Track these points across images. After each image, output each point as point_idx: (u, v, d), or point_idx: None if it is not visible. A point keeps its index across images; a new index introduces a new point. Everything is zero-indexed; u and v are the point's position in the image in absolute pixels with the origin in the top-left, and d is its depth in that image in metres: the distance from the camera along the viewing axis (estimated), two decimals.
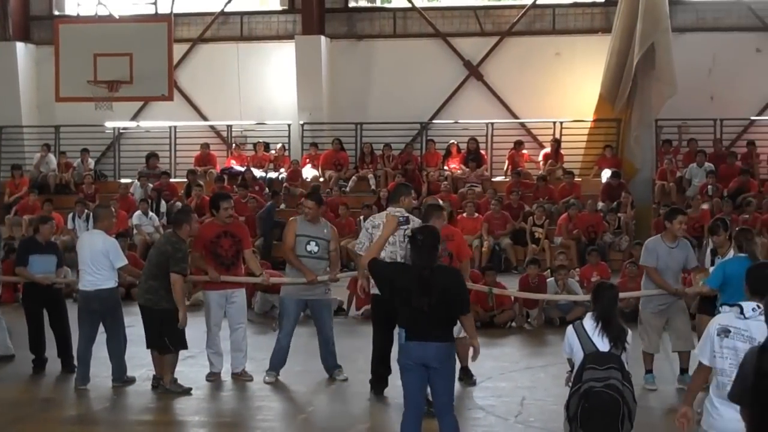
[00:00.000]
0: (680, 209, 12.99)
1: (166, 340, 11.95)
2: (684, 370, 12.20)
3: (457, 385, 9.69)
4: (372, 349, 12.09)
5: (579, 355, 7.64)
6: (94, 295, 12.24)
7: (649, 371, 12.35)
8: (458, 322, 8.67)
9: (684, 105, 25.07)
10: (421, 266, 8.33)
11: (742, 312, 6.78)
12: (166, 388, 12.07)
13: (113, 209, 22.56)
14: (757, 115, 27.00)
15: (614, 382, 7.35)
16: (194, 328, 12.78)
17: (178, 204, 23.17)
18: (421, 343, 8.31)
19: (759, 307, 6.75)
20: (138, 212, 23.24)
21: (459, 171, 25.99)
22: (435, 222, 10.77)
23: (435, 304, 8.22)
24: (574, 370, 7.67)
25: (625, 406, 7.31)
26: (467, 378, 12.12)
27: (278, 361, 12.73)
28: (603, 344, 7.59)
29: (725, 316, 6.90)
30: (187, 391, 12.11)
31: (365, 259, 9.26)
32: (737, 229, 11.74)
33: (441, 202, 15.18)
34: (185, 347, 12.22)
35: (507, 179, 25.54)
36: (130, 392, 12.27)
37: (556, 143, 26.28)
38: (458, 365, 10.03)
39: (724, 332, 6.79)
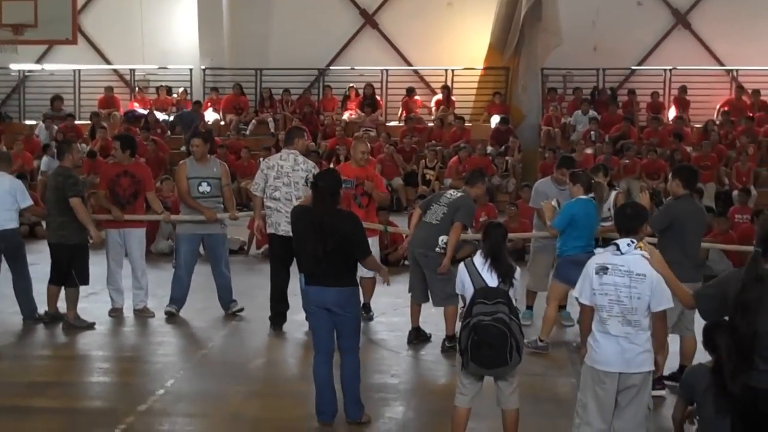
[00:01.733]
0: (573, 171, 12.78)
1: (72, 273, 11.85)
2: (563, 307, 12.32)
3: None
4: (270, 286, 12.06)
5: (470, 291, 7.64)
6: None
7: (529, 307, 12.46)
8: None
9: (569, 55, 25.28)
10: (319, 212, 8.18)
11: (618, 249, 6.87)
12: (70, 323, 11.92)
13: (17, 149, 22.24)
14: (637, 65, 27.35)
15: (502, 315, 7.34)
16: (96, 266, 12.57)
17: (83, 145, 22.74)
18: (320, 288, 8.16)
19: (633, 242, 6.87)
20: (46, 158, 22.66)
21: (355, 116, 25.92)
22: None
23: (331, 251, 8.04)
24: (465, 305, 7.69)
25: (512, 338, 7.31)
26: (366, 313, 12.09)
27: (178, 294, 12.64)
28: (492, 280, 7.58)
29: (601, 256, 6.98)
30: (90, 326, 11.99)
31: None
32: (582, 171, 11.74)
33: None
34: (87, 283, 12.11)
35: (401, 124, 25.58)
36: (37, 329, 12.06)
37: (447, 90, 26.34)
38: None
39: (603, 270, 6.86)
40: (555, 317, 11.21)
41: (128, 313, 12.67)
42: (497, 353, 7.35)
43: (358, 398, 8.39)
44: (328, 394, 8.33)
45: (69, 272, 11.89)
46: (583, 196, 11.02)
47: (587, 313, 7.03)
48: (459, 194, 11.12)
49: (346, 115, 26.03)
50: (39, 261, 13.05)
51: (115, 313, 12.61)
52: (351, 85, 26.71)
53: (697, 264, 9.56)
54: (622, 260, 6.84)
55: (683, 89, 25.78)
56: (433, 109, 26.34)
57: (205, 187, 12.52)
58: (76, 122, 25.81)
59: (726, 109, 25.22)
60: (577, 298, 7.10)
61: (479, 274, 7.62)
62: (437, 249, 10.86)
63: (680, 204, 9.54)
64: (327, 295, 8.15)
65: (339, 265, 8.15)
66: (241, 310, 12.65)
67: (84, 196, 11.95)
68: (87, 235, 11.93)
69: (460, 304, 8.08)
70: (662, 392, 9.16)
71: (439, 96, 26.41)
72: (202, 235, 12.64)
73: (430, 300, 11.16)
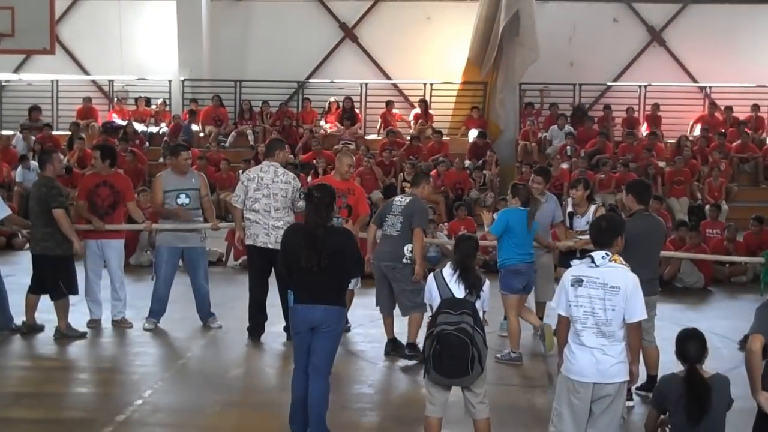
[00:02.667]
0: (541, 169, 13.13)
1: (61, 284, 11.82)
2: (540, 318, 12.42)
3: None
4: (248, 297, 12.09)
5: (437, 301, 7.73)
6: None
7: (507, 318, 12.53)
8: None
9: (546, 70, 25.39)
10: (314, 224, 8.06)
11: (593, 261, 6.97)
12: (63, 333, 11.93)
13: None
14: (613, 81, 27.54)
15: (465, 326, 7.39)
16: None
17: (61, 156, 22.68)
18: (309, 306, 8.03)
19: (608, 255, 6.98)
20: (20, 169, 22.58)
21: (334, 129, 25.98)
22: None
23: (325, 265, 7.94)
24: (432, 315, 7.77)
25: (474, 348, 7.36)
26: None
27: (157, 308, 12.62)
28: (459, 290, 7.66)
29: (577, 268, 7.08)
30: (82, 335, 12.03)
31: None
32: (523, 185, 11.93)
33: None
34: (76, 292, 12.10)
35: (379, 137, 25.64)
36: (14, 339, 12.01)
37: (425, 104, 26.44)
38: None
39: (578, 282, 6.96)
40: (518, 327, 11.31)
41: (106, 324, 12.64)
42: (458, 363, 7.41)
43: (323, 422, 8.16)
44: (303, 407, 8.24)
45: (56, 283, 11.83)
46: (520, 208, 11.27)
47: (564, 322, 7.13)
48: (408, 199, 11.23)
49: (325, 127, 26.05)
50: (15, 272, 13.02)
51: (93, 325, 12.56)
52: (332, 98, 26.70)
53: (651, 278, 9.54)
54: (597, 272, 6.94)
55: (656, 106, 25.98)
56: (412, 123, 26.42)
57: (184, 199, 12.48)
58: (54, 133, 25.63)
59: (702, 125, 25.43)
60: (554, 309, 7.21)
61: (447, 284, 7.72)
62: (404, 260, 10.95)
63: (634, 221, 9.36)
64: (314, 313, 8.02)
65: (331, 280, 8.06)
66: (220, 327, 12.60)
67: (67, 208, 11.90)
68: (71, 246, 11.85)
69: (428, 313, 8.14)
70: (630, 403, 9.21)
71: (418, 110, 26.51)
72: (181, 248, 12.61)
73: (399, 310, 11.23)
